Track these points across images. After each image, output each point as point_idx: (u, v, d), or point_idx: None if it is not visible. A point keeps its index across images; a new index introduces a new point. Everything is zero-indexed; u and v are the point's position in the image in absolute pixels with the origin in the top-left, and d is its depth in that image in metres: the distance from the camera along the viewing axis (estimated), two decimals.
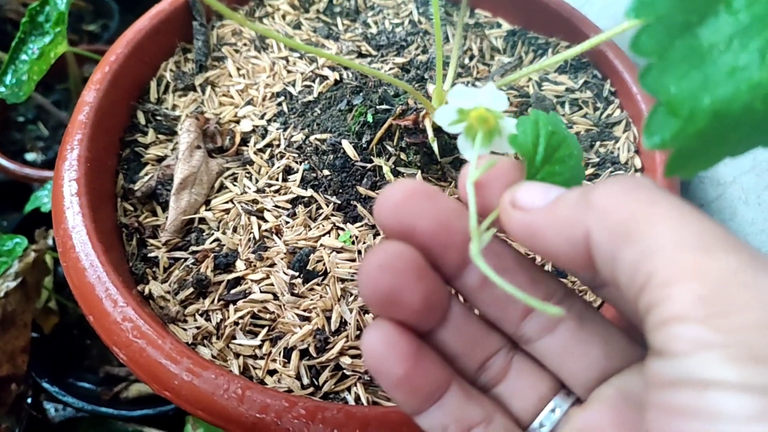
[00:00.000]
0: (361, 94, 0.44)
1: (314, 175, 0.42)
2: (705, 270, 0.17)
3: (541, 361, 0.26)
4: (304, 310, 0.38)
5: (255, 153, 0.45)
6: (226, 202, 0.43)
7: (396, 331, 0.24)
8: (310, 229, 0.41)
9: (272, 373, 0.36)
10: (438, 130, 0.41)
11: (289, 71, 0.49)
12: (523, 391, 0.26)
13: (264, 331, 0.38)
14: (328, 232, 0.40)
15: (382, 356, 0.24)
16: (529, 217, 0.23)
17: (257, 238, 0.41)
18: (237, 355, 0.37)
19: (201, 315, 0.39)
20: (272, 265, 0.40)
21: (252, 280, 0.39)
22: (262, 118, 0.47)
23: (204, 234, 0.42)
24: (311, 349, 0.37)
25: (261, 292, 0.39)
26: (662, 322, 0.18)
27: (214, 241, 0.41)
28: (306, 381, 0.36)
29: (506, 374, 0.27)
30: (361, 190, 0.41)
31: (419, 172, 0.42)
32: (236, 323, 0.38)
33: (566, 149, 0.27)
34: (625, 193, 0.21)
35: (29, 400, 0.55)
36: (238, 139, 0.46)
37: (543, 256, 0.23)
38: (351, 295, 0.38)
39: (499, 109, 0.27)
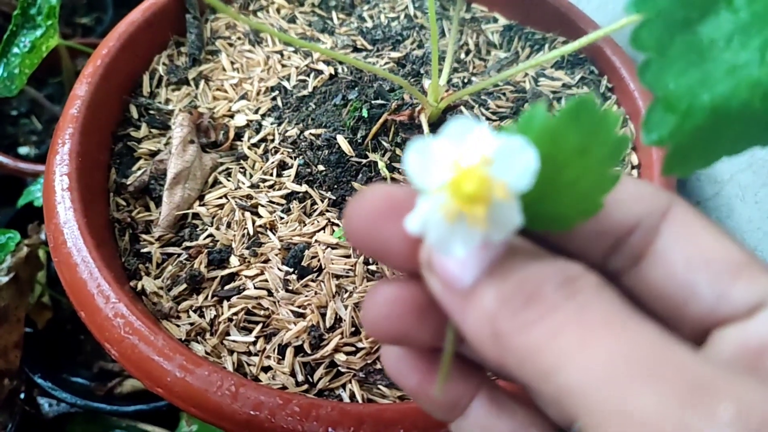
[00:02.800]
0: (356, 88, 0.44)
1: (309, 170, 0.42)
2: (625, 415, 0.15)
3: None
4: (299, 307, 0.38)
5: (249, 148, 0.44)
6: (220, 198, 0.42)
7: (407, 352, 0.23)
8: (305, 224, 0.40)
9: (266, 369, 0.36)
10: (434, 125, 0.41)
11: (283, 65, 0.49)
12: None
13: (258, 327, 0.37)
14: (323, 228, 0.40)
15: (395, 367, 0.24)
16: (446, 298, 0.19)
17: (251, 233, 0.40)
18: (231, 352, 0.37)
19: (194, 311, 0.38)
20: (266, 261, 0.39)
21: (246, 276, 0.39)
22: (256, 112, 0.46)
23: (197, 229, 0.41)
24: (306, 346, 0.37)
25: (255, 288, 0.38)
26: None
27: (208, 236, 0.41)
28: (300, 378, 0.36)
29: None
30: (357, 185, 0.41)
31: None
32: (230, 320, 0.38)
33: (578, 167, 0.19)
34: (526, 313, 0.18)
35: (22, 396, 0.55)
36: (232, 134, 0.45)
37: None
38: (346, 291, 0.38)
39: (514, 180, 0.18)
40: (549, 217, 0.20)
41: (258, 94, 0.47)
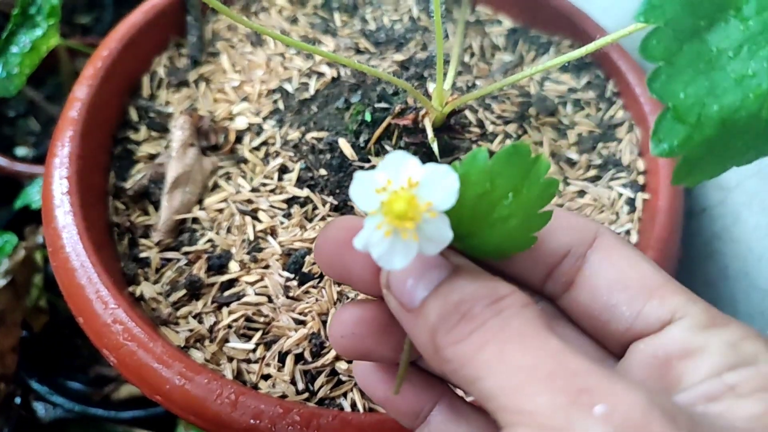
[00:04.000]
0: (359, 92, 0.44)
1: (310, 174, 0.42)
2: (526, 414, 0.18)
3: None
4: (300, 314, 0.37)
5: (250, 151, 0.44)
6: (220, 202, 0.42)
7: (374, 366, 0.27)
8: (306, 230, 0.40)
9: (266, 377, 0.36)
10: (438, 129, 0.41)
11: (285, 68, 0.48)
12: None
13: (258, 334, 0.37)
14: None
15: (365, 380, 0.27)
16: (400, 314, 0.23)
17: (252, 238, 0.40)
18: (230, 359, 0.36)
19: (194, 317, 0.38)
20: (267, 267, 0.39)
21: (246, 282, 0.38)
22: (257, 115, 0.46)
23: (197, 234, 0.41)
24: (306, 354, 0.36)
25: (255, 294, 0.38)
26: None
27: (208, 241, 0.40)
28: (301, 386, 0.35)
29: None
30: None
31: None
32: (230, 326, 0.37)
33: (511, 206, 0.22)
34: (460, 329, 0.21)
35: (18, 400, 0.55)
36: (232, 137, 0.45)
37: None
38: (347, 298, 0.38)
39: (440, 200, 0.20)
40: (486, 248, 0.23)
41: (259, 96, 0.47)
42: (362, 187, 0.20)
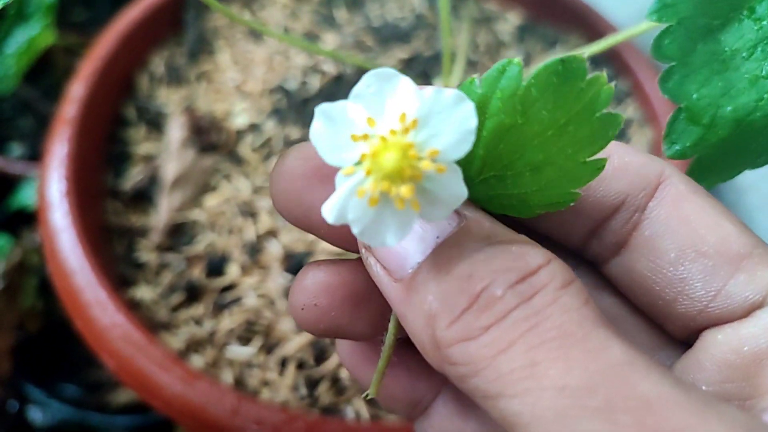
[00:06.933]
0: None
1: None
2: None
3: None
4: None
5: (250, 151, 0.43)
6: (220, 203, 0.41)
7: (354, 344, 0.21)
8: None
9: (267, 383, 0.35)
10: None
11: (287, 65, 0.47)
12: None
13: (259, 338, 0.36)
14: None
15: (352, 364, 0.21)
16: (384, 283, 0.17)
17: (252, 240, 0.39)
18: (231, 364, 0.36)
19: (193, 321, 0.37)
20: (267, 269, 0.38)
21: (246, 285, 0.38)
22: (257, 114, 0.45)
23: (196, 236, 0.40)
24: (308, 359, 0.35)
25: (256, 297, 0.37)
26: None
27: (207, 243, 0.39)
28: (303, 392, 0.35)
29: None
30: None
31: None
32: (230, 330, 0.36)
33: (550, 148, 0.16)
34: (471, 321, 0.15)
35: (14, 405, 0.54)
36: (232, 137, 0.44)
37: None
38: None
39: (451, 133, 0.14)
40: (507, 201, 0.16)
41: (260, 94, 0.46)
42: (332, 130, 0.14)
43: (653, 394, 0.13)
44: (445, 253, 0.15)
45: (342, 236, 0.18)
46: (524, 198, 0.17)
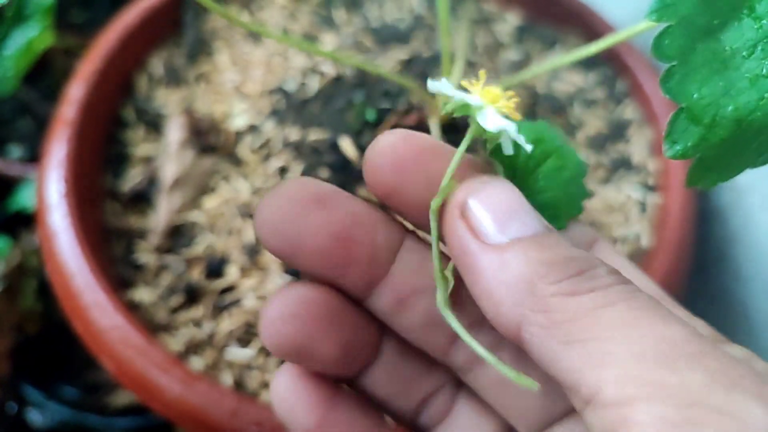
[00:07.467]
0: (361, 91, 0.43)
1: (312, 175, 0.41)
2: (669, 388, 0.14)
3: (479, 395, 0.23)
4: None
5: (249, 152, 0.43)
6: (219, 204, 0.41)
7: (307, 377, 0.21)
8: None
9: (267, 385, 0.35)
10: (442, 130, 0.40)
11: (286, 66, 0.47)
12: None
13: (258, 340, 0.36)
14: None
15: (290, 405, 0.21)
16: (471, 247, 0.18)
17: (251, 242, 0.39)
18: (230, 366, 0.35)
19: (192, 323, 0.37)
20: (266, 271, 0.38)
21: (246, 287, 0.38)
22: (256, 115, 0.45)
23: (195, 237, 0.40)
24: None
25: (255, 299, 0.37)
26: None
27: (206, 245, 0.39)
28: None
29: (448, 414, 0.23)
30: (361, 192, 0.40)
31: None
32: (229, 332, 0.36)
33: (557, 161, 0.23)
34: (576, 283, 0.17)
35: (13, 407, 0.54)
36: (231, 138, 0.44)
37: (470, 291, 0.19)
38: None
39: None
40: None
41: (259, 95, 0.46)
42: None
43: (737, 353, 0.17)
44: (545, 239, 0.18)
45: (321, 259, 0.20)
46: (560, 192, 0.22)
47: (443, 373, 0.24)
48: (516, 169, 0.22)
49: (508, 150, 0.21)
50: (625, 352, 0.15)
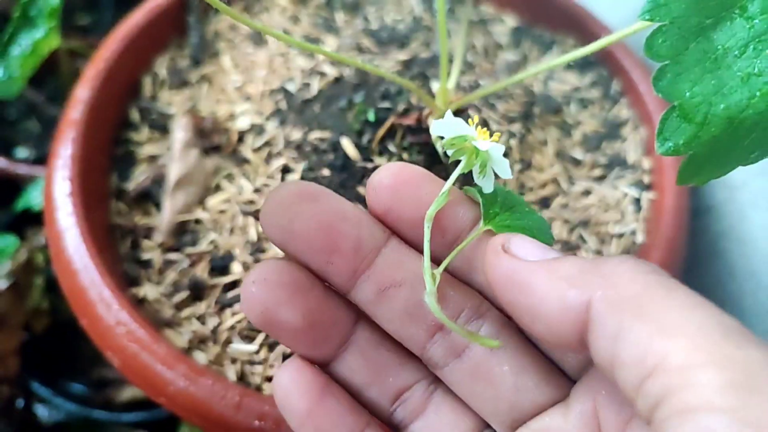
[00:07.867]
0: (361, 91, 0.43)
1: (313, 174, 0.41)
2: (732, 357, 0.16)
3: (453, 391, 0.24)
4: None
5: (252, 152, 0.44)
6: (222, 203, 0.42)
7: (304, 367, 0.24)
8: None
9: (270, 379, 0.36)
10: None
11: (287, 67, 0.48)
12: (441, 430, 0.24)
13: (261, 335, 0.37)
14: None
15: (287, 391, 0.23)
16: (520, 266, 0.21)
17: (254, 239, 0.40)
18: (234, 361, 0.36)
19: (196, 319, 0.38)
20: None
21: None
22: (259, 115, 0.46)
23: (199, 235, 0.41)
24: None
25: None
26: (683, 411, 0.15)
27: (210, 242, 0.40)
28: None
29: (424, 409, 0.24)
30: (362, 191, 0.40)
31: None
32: (233, 328, 0.37)
33: (524, 206, 0.26)
34: (639, 272, 0.19)
35: (21, 403, 0.54)
36: (234, 138, 0.45)
37: (520, 313, 0.21)
38: None
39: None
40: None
41: (261, 96, 0.47)
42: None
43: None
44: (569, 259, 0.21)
45: (310, 244, 0.23)
46: (531, 222, 0.25)
47: (419, 370, 0.25)
48: (493, 205, 0.25)
49: (489, 186, 0.25)
50: (693, 328, 0.17)
